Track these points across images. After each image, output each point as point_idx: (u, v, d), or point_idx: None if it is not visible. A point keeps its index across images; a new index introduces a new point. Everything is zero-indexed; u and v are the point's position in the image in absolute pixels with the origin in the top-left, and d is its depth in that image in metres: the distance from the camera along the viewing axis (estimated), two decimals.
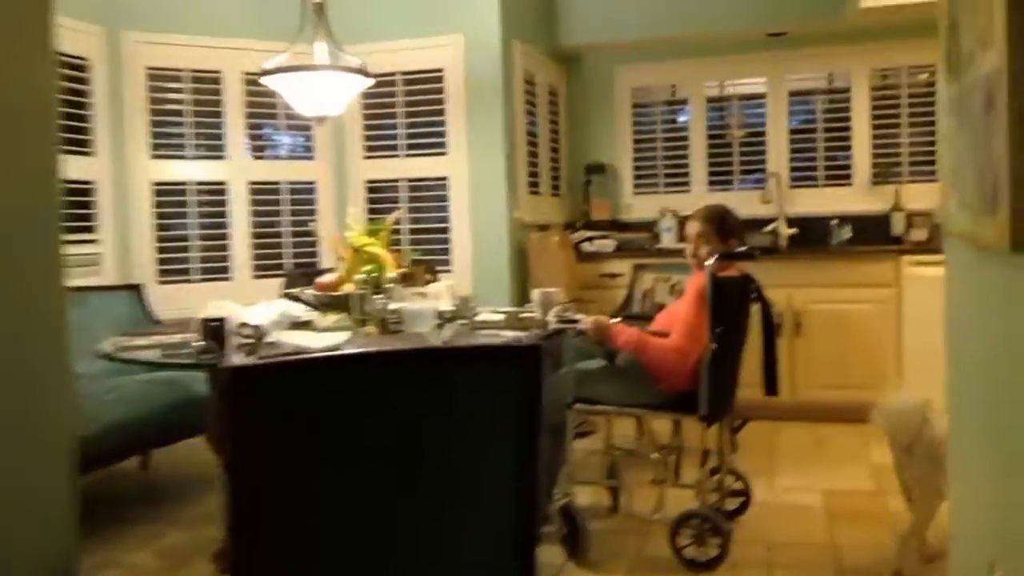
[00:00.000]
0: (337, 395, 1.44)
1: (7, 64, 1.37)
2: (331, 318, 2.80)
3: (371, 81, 3.33)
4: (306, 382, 1.44)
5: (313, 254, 4.72)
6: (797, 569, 2.70)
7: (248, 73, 4.36)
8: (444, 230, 4.59)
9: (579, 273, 4.85)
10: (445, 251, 4.58)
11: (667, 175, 5.46)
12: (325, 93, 3.08)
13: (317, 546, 1.47)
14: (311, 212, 4.72)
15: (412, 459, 1.49)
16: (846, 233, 4.96)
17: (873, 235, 4.88)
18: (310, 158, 4.72)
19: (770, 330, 2.81)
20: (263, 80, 3.16)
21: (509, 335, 2.74)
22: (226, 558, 2.70)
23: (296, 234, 4.67)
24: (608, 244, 5.03)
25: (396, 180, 4.70)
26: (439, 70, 4.51)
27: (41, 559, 1.44)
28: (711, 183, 5.37)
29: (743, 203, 4.79)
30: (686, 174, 5.41)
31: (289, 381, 1.43)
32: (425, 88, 4.51)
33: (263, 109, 4.50)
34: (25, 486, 1.40)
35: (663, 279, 4.22)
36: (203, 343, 2.44)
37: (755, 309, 2.87)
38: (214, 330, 2.49)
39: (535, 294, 3.12)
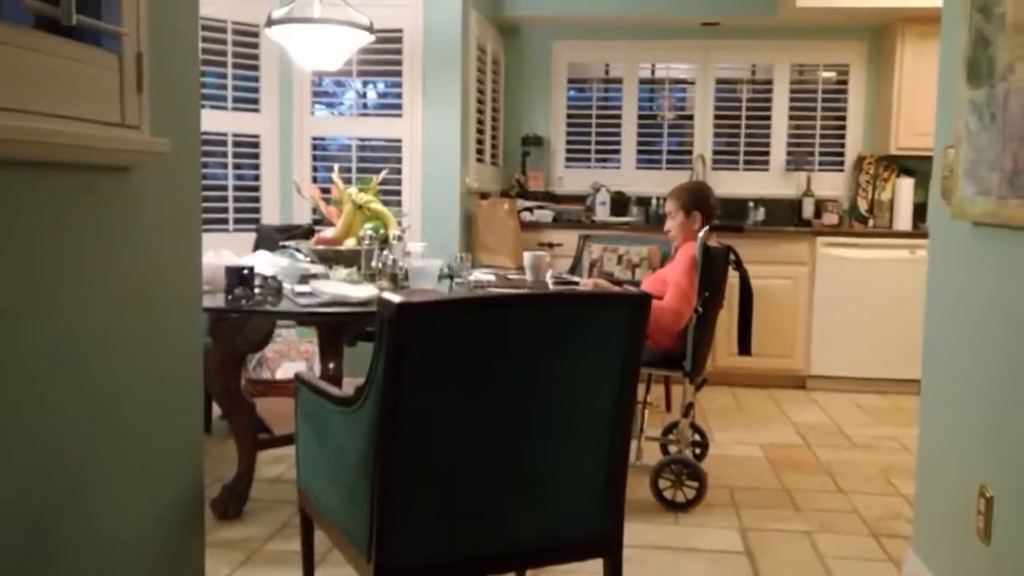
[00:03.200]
0: (481, 331, 1.56)
1: None
2: (342, 272, 2.83)
3: (372, 37, 3.33)
4: (458, 319, 1.54)
5: (256, 209, 4.61)
6: (761, 509, 3.03)
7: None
8: (397, 192, 4.61)
9: (521, 241, 5.01)
10: (399, 212, 4.60)
11: (599, 151, 5.71)
12: (328, 46, 3.06)
13: (449, 468, 1.60)
14: (256, 167, 4.61)
15: (536, 388, 1.65)
16: (760, 215, 5.40)
17: (784, 218, 5.34)
18: (256, 110, 4.59)
19: (747, 296, 3.10)
20: (268, 31, 3.10)
21: (507, 292, 2.87)
22: (224, 504, 2.71)
23: (240, 188, 4.55)
24: (546, 215, 5.22)
25: (347, 138, 4.66)
26: (398, 30, 4.51)
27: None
28: (639, 161, 5.66)
29: (669, 182, 5.10)
30: (617, 151, 5.67)
31: (446, 318, 1.53)
32: (384, 47, 4.50)
33: (215, 57, 4.33)
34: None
35: (611, 249, 4.46)
36: (237, 290, 2.44)
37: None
38: (243, 277, 2.49)
39: (526, 257, 3.27)
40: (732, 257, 3.09)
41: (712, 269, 2.98)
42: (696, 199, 3.30)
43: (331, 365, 3.16)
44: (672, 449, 3.31)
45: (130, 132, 1.36)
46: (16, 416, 1.16)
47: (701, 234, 2.98)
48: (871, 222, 5.23)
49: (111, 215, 1.37)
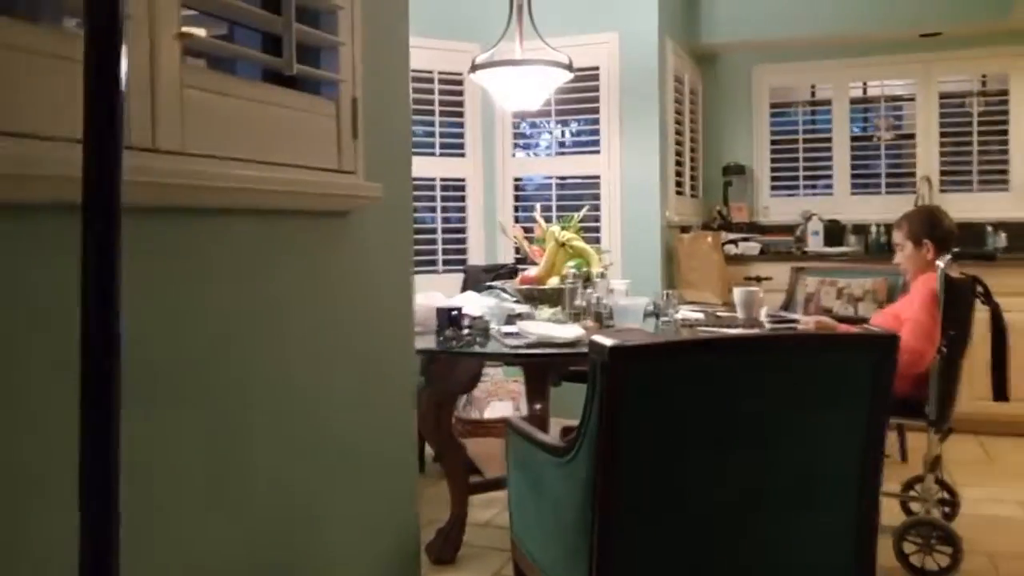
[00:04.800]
0: (703, 377, 1.42)
1: None
2: (547, 311, 2.79)
3: (571, 75, 3.32)
4: (678, 364, 1.42)
5: (463, 250, 4.73)
6: None
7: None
8: (595, 229, 4.55)
9: (726, 275, 4.77)
10: (599, 249, 4.54)
11: (807, 177, 5.35)
12: (530, 86, 3.08)
13: (672, 520, 1.46)
14: (462, 209, 4.74)
15: (768, 442, 1.47)
16: (1001, 240, 4.79)
17: None
18: (461, 155, 4.73)
19: (1000, 334, 2.70)
20: (472, 76, 3.18)
21: (732, 333, 2.68)
22: (438, 549, 2.71)
23: (447, 230, 4.69)
24: (753, 247, 4.94)
25: (547, 177, 4.68)
26: (595, 68, 4.49)
27: None
28: (854, 187, 5.24)
29: (890, 208, 4.68)
30: (828, 176, 5.29)
31: (663, 360, 1.41)
32: (581, 86, 4.49)
33: (423, 106, 4.53)
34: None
35: (828, 282, 4.12)
36: (448, 331, 2.46)
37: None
38: (453, 319, 2.50)
39: (736, 293, 3.07)
40: (980, 289, 2.72)
41: (956, 304, 2.63)
42: (926, 226, 2.94)
43: (538, 406, 3.11)
44: (916, 508, 2.93)
45: (347, 177, 1.38)
46: (251, 466, 1.18)
47: (942, 264, 2.64)
48: None
49: (330, 259, 1.39)
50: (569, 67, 3.23)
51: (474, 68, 3.17)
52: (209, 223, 1.11)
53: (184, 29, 1.04)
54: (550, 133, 4.80)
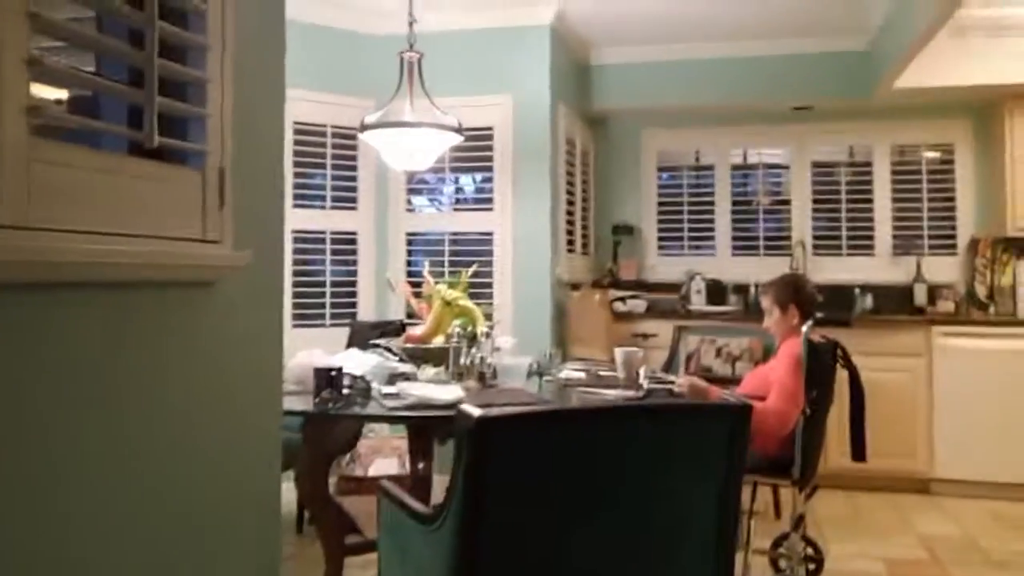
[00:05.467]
0: (567, 445, 1.46)
1: None
2: (430, 371, 2.79)
3: (461, 138, 3.38)
4: (543, 433, 1.45)
5: (353, 304, 4.68)
6: None
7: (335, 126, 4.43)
8: (488, 285, 4.61)
9: (613, 332, 4.90)
10: (488, 306, 4.59)
11: (692, 238, 5.59)
12: (419, 147, 3.12)
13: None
14: (352, 262, 4.71)
15: (630, 505, 1.51)
16: (868, 302, 5.12)
17: (895, 305, 5.04)
18: (353, 208, 4.71)
19: (858, 395, 2.88)
20: (362, 135, 3.19)
21: (611, 394, 2.75)
22: None
23: (337, 284, 4.64)
24: (640, 304, 5.11)
25: (440, 233, 4.72)
26: (489, 128, 4.59)
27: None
28: (735, 248, 5.51)
29: (767, 269, 4.93)
30: (711, 237, 5.54)
31: (529, 430, 1.44)
32: (474, 144, 4.57)
33: (315, 159, 4.50)
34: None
35: (708, 341, 4.29)
36: (324, 392, 2.42)
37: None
38: (331, 379, 2.47)
39: (618, 353, 3.15)
40: (840, 353, 2.90)
41: (819, 367, 2.80)
42: (790, 292, 3.13)
43: (420, 465, 3.09)
44: (783, 565, 3.05)
45: (212, 247, 1.36)
46: (89, 539, 1.13)
47: (805, 329, 2.81)
48: (992, 308, 4.87)
49: (195, 329, 1.36)
50: (459, 130, 3.30)
51: (363, 128, 3.20)
52: (55, 298, 1.08)
53: (35, 100, 1.02)
54: (443, 189, 4.86)
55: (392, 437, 4.31)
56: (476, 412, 1.41)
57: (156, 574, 1.28)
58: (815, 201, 5.40)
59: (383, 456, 4.23)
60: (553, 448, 1.44)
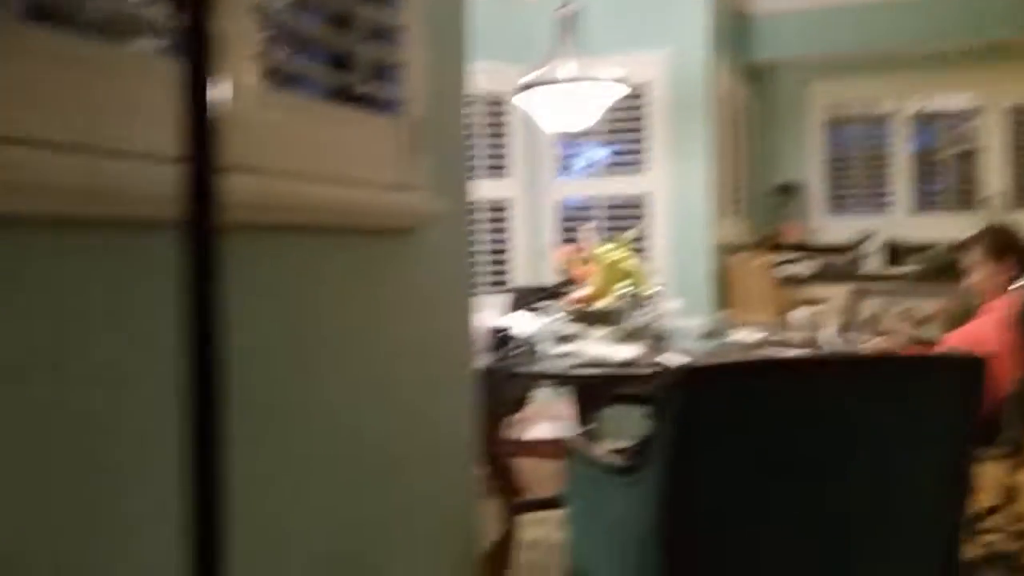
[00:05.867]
0: (781, 399, 1.36)
1: None
2: (598, 332, 2.74)
3: (626, 90, 3.28)
4: (755, 385, 1.36)
5: (505, 272, 4.70)
6: None
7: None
8: (642, 250, 4.49)
9: (779, 297, 4.66)
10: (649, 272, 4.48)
11: (865, 196, 5.22)
12: (579, 106, 3.04)
13: (737, 546, 1.40)
14: (505, 231, 4.72)
15: (848, 469, 1.40)
16: None
17: None
18: (505, 176, 4.71)
19: None
20: (519, 98, 3.16)
21: (814, 354, 2.59)
22: (488, 568, 2.66)
23: (492, 252, 4.67)
24: (806, 268, 4.83)
25: (592, 198, 4.64)
26: (643, 86, 4.44)
27: None
28: (916, 205, 5.09)
29: (953, 226, 4.53)
30: (886, 194, 5.16)
31: (742, 380, 1.35)
32: (628, 104, 4.44)
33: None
34: None
35: (890, 304, 4.00)
36: (497, 351, 2.43)
37: None
38: (504, 339, 2.47)
39: (796, 314, 2.98)
40: None
41: None
42: (1006, 245, 2.81)
43: (587, 428, 3.05)
44: (991, 540, 2.79)
45: (409, 195, 1.35)
46: (305, 480, 1.15)
47: (1015, 287, 2.53)
48: None
49: (395, 277, 1.36)
50: (623, 82, 3.19)
51: (522, 89, 3.15)
52: (281, 241, 1.09)
53: (262, 47, 1.03)
54: (595, 154, 4.76)
55: (553, 402, 4.30)
56: (684, 362, 1.34)
57: (358, 524, 1.29)
58: (1016, 148, 4.86)
59: (543, 420, 4.23)
60: (767, 401, 1.34)
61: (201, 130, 0.58)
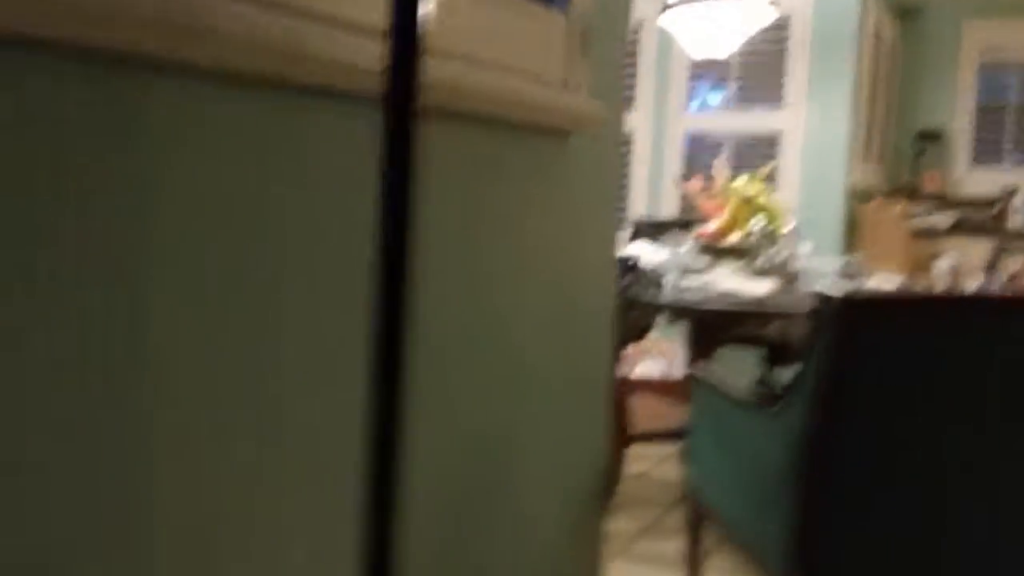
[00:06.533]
0: (950, 342, 1.27)
1: None
2: (727, 268, 2.65)
3: (776, 14, 3.10)
4: (922, 322, 1.27)
5: (623, 204, 4.61)
6: None
7: None
8: (773, 189, 4.30)
9: (913, 249, 4.42)
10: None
11: (1016, 149, 4.84)
12: (726, 29, 2.90)
13: (883, 488, 1.34)
14: (625, 164, 4.62)
15: (1011, 418, 1.30)
16: None
17: None
18: (632, 107, 4.59)
19: None
20: (663, 19, 3.03)
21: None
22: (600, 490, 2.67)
23: None
24: (944, 220, 4.55)
25: (722, 134, 4.47)
26: (785, 17, 4.20)
27: None
28: None
29: None
30: None
31: (903, 316, 1.27)
32: (764, 37, 4.22)
33: None
34: None
35: None
36: (625, 278, 2.39)
37: None
38: (631, 268, 2.43)
39: (940, 264, 2.81)
40: None
41: None
42: None
43: (701, 365, 2.99)
44: None
45: (575, 96, 1.31)
46: (444, 396, 1.15)
47: None
48: None
49: (551, 179, 1.33)
50: (774, 3, 3.00)
51: (666, 8, 3.02)
52: (461, 129, 1.08)
53: None
54: (728, 87, 4.57)
55: (661, 340, 4.24)
56: (841, 293, 1.27)
57: (505, 412, 1.29)
58: None
59: (651, 357, 4.19)
60: (930, 340, 1.26)
61: (409, 6, 0.57)
